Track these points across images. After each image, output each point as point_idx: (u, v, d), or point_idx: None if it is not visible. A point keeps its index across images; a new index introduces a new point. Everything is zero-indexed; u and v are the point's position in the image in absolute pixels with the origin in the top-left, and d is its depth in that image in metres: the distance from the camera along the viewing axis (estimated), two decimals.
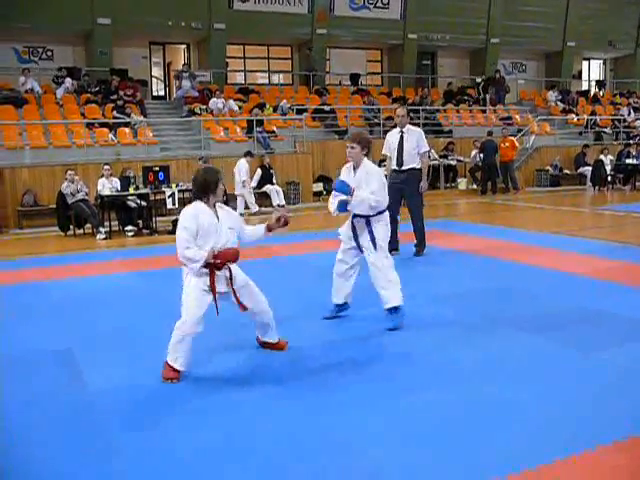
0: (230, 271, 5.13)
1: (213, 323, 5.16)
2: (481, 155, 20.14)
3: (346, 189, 6.01)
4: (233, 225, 5.25)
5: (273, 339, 5.62)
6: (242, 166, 16.02)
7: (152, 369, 5.17)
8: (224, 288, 5.15)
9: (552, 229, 12.30)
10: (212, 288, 5.06)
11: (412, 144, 9.64)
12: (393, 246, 9.35)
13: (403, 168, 9.67)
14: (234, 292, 5.18)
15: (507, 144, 20.08)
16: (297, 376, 5.01)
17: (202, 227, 5.04)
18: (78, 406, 4.58)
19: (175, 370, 5.00)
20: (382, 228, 6.15)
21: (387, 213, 6.21)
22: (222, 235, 5.10)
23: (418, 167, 9.71)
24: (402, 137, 9.65)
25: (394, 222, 8.95)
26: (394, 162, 9.72)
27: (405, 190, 9.74)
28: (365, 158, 6.24)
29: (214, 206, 5.18)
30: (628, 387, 4.64)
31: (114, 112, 18.28)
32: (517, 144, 20.56)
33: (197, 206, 5.13)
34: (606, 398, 4.46)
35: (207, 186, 5.10)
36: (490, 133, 20.38)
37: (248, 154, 16.38)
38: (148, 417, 4.37)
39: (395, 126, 9.88)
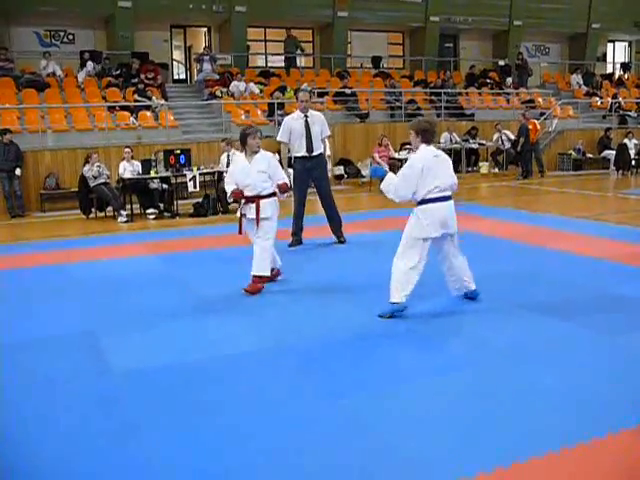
0: (258, 205, 6.89)
1: None
2: (509, 138, 20.02)
3: (381, 173, 6.36)
4: (264, 169, 6.96)
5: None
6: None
7: (174, 350, 5.18)
8: (251, 215, 6.96)
9: (576, 213, 12.17)
10: (240, 213, 7.12)
11: (317, 129, 9.49)
12: (297, 237, 9.49)
13: (314, 154, 9.47)
14: (257, 220, 6.91)
15: (531, 126, 19.86)
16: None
17: (236, 170, 7.08)
18: (102, 388, 4.58)
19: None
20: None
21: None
22: (249, 176, 6.93)
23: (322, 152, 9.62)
24: (307, 122, 9.43)
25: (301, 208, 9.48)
26: (303, 148, 9.41)
27: (316, 176, 9.57)
28: (423, 145, 6.06)
29: (251, 154, 7.00)
30: None
31: (135, 95, 18.30)
32: (539, 127, 20.33)
33: (239, 155, 7.26)
34: (630, 381, 4.42)
35: (242, 140, 7.01)
36: (524, 115, 20.05)
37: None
38: (171, 399, 4.37)
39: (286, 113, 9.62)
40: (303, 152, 9.43)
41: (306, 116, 9.47)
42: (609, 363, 4.78)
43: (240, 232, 7.18)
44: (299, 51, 23.90)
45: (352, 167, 18.99)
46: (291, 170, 9.56)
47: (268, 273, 7.06)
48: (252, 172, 6.91)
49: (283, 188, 7.09)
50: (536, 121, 20.53)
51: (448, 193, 6.05)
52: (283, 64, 23.98)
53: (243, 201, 6.97)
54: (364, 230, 10.73)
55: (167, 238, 10.76)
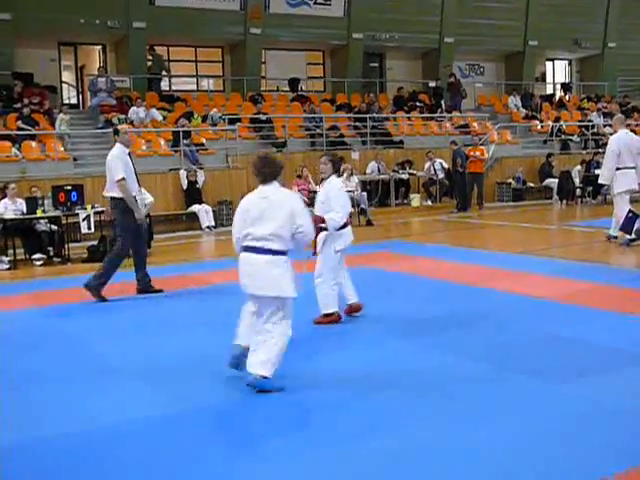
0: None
1: None
2: (440, 166, 20.53)
3: None
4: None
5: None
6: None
7: (63, 416, 5.13)
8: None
9: (517, 249, 12.54)
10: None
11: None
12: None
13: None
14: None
15: (478, 153, 20.39)
16: None
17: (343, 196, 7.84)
18: None
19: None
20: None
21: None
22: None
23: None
24: (131, 156, 9.71)
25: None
26: (135, 186, 9.62)
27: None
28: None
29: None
30: (600, 422, 4.76)
31: (18, 123, 18.05)
32: (486, 154, 20.91)
33: (336, 180, 7.86)
34: (580, 434, 4.57)
35: (339, 165, 8.00)
36: (454, 142, 20.70)
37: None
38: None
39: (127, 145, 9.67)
40: (136, 190, 9.67)
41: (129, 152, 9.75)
42: (555, 413, 4.94)
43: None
44: (164, 72, 23.73)
45: None
46: None
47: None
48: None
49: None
50: (484, 147, 21.08)
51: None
52: (189, 87, 24.06)
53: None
54: None
55: (57, 287, 10.60)
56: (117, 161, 9.33)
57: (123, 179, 9.24)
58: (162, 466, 4.36)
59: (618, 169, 12.33)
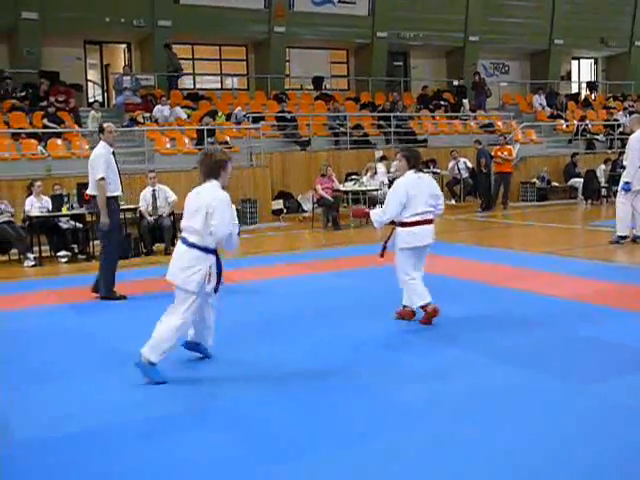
0: None
1: None
2: (464, 166, 20.47)
3: None
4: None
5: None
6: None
7: (88, 411, 5.17)
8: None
9: (541, 249, 12.47)
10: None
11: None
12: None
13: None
14: None
15: (505, 153, 20.31)
16: None
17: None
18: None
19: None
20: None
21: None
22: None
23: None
24: (114, 155, 9.56)
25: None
26: (119, 186, 9.50)
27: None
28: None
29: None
30: (623, 422, 4.72)
31: (44, 120, 18.18)
32: (513, 153, 20.83)
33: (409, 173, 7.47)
34: (603, 434, 4.53)
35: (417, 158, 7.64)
36: (479, 142, 20.63)
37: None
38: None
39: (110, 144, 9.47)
40: (119, 191, 9.52)
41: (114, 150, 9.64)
42: (584, 416, 4.90)
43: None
44: (179, 70, 23.47)
45: (292, 201, 19.12)
46: None
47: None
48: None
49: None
50: (510, 147, 20.97)
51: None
52: (214, 85, 24.11)
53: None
54: (305, 272, 10.82)
55: (82, 284, 10.64)
56: (100, 160, 9.18)
57: (102, 179, 9.10)
58: (167, 466, 4.36)
59: None
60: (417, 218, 7.31)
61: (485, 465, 4.16)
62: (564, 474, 4.03)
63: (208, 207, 5.81)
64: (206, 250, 5.87)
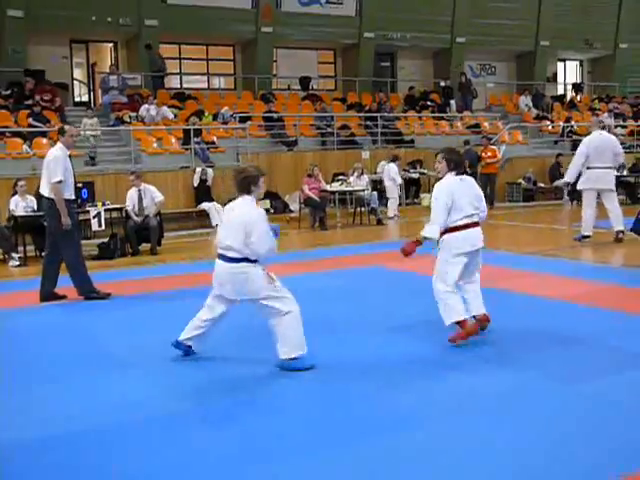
0: None
1: None
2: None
3: None
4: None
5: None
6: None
7: (88, 411, 5.15)
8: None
9: (526, 249, 12.50)
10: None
11: None
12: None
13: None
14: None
15: (489, 153, 20.41)
16: None
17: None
18: None
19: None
20: None
21: None
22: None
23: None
24: (71, 158, 9.37)
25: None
26: (72, 189, 9.30)
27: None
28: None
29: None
30: (617, 422, 4.74)
31: (29, 120, 18.09)
32: (498, 155, 20.92)
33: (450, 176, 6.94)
34: (598, 434, 4.55)
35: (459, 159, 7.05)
36: (467, 142, 20.69)
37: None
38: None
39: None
40: (72, 194, 9.37)
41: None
42: (577, 416, 4.91)
43: None
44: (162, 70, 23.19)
45: (279, 201, 19.11)
46: None
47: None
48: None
49: None
50: (495, 147, 21.08)
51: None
52: (201, 85, 24.06)
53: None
54: (294, 272, 10.80)
55: (67, 284, 10.60)
56: (57, 162, 9.01)
57: (60, 182, 8.97)
58: (167, 465, 4.35)
59: (588, 168, 12.92)
60: (466, 221, 6.73)
61: (485, 465, 4.16)
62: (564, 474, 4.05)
63: (246, 225, 5.90)
64: (248, 260, 5.98)
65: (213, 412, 5.22)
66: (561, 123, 25.77)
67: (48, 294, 9.37)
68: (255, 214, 5.99)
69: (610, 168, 13.04)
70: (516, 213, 19.34)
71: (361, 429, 4.74)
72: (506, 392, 5.38)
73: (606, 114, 27.50)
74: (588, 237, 12.95)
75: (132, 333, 7.51)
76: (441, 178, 6.99)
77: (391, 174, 18.50)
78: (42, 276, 9.40)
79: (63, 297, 9.38)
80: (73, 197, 9.41)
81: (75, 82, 23.97)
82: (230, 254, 5.97)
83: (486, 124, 24.91)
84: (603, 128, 13.72)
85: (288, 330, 5.95)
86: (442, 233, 6.69)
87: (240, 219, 5.95)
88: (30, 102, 18.90)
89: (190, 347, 6.38)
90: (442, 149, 7.22)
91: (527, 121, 26.16)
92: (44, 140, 17.66)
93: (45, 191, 9.16)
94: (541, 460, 4.20)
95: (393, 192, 18.52)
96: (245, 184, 6.08)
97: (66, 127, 9.55)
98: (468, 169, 19.72)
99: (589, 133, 13.91)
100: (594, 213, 12.99)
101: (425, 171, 21.11)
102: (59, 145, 9.25)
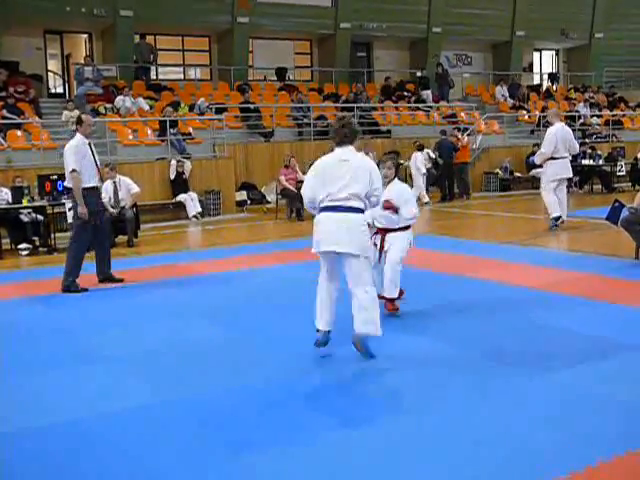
0: None
1: None
2: (427, 156, 20.58)
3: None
4: None
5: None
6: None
7: (74, 402, 5.16)
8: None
9: (503, 239, 12.60)
10: None
11: None
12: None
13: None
14: None
15: (463, 144, 20.54)
16: None
17: None
18: None
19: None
20: None
21: None
22: None
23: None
24: (91, 146, 9.50)
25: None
26: (95, 176, 9.48)
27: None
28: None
29: None
30: (587, 410, 4.81)
31: (3, 111, 17.97)
32: (463, 140, 21.03)
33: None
34: (567, 422, 4.61)
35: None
36: (444, 132, 20.77)
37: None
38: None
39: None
40: (97, 181, 9.57)
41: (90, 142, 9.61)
42: (546, 404, 4.96)
43: None
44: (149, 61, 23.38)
45: (256, 192, 19.12)
46: None
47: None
48: None
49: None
50: (467, 137, 21.20)
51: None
52: (176, 76, 23.97)
53: None
54: (271, 263, 10.83)
55: (43, 277, 10.58)
56: (72, 152, 9.16)
57: (74, 171, 9.10)
58: (156, 455, 4.38)
59: (553, 158, 13.01)
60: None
61: (451, 457, 4.20)
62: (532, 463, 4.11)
63: (371, 172, 5.87)
64: (363, 212, 5.93)
65: (200, 402, 5.25)
66: (537, 113, 25.86)
67: (104, 276, 9.66)
68: (370, 161, 6.03)
69: (567, 158, 13.38)
70: (492, 203, 19.46)
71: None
72: (473, 384, 5.46)
73: (582, 104, 27.71)
74: (559, 218, 13.15)
75: (110, 326, 7.50)
76: (389, 182, 7.21)
77: (417, 163, 19.16)
78: (95, 261, 9.70)
79: (120, 280, 9.63)
80: (95, 184, 9.47)
81: (49, 73, 23.78)
82: (351, 203, 5.77)
83: (463, 114, 25.02)
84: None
85: (373, 305, 5.88)
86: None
87: (365, 166, 5.89)
88: (4, 94, 18.76)
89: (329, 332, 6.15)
90: (389, 157, 7.41)
91: (503, 111, 26.26)
92: (18, 132, 17.56)
93: (67, 182, 9.44)
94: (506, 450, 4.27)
95: (418, 180, 19.16)
96: (354, 134, 6.08)
97: (83, 116, 9.67)
98: (438, 159, 19.96)
99: (549, 124, 14.21)
100: (556, 198, 13.23)
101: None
102: (77, 135, 9.39)
